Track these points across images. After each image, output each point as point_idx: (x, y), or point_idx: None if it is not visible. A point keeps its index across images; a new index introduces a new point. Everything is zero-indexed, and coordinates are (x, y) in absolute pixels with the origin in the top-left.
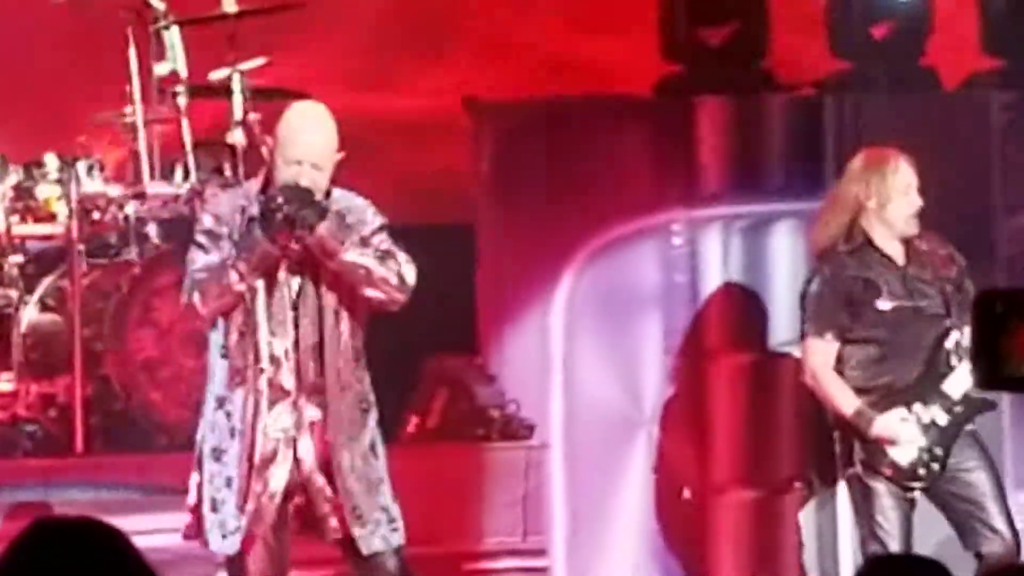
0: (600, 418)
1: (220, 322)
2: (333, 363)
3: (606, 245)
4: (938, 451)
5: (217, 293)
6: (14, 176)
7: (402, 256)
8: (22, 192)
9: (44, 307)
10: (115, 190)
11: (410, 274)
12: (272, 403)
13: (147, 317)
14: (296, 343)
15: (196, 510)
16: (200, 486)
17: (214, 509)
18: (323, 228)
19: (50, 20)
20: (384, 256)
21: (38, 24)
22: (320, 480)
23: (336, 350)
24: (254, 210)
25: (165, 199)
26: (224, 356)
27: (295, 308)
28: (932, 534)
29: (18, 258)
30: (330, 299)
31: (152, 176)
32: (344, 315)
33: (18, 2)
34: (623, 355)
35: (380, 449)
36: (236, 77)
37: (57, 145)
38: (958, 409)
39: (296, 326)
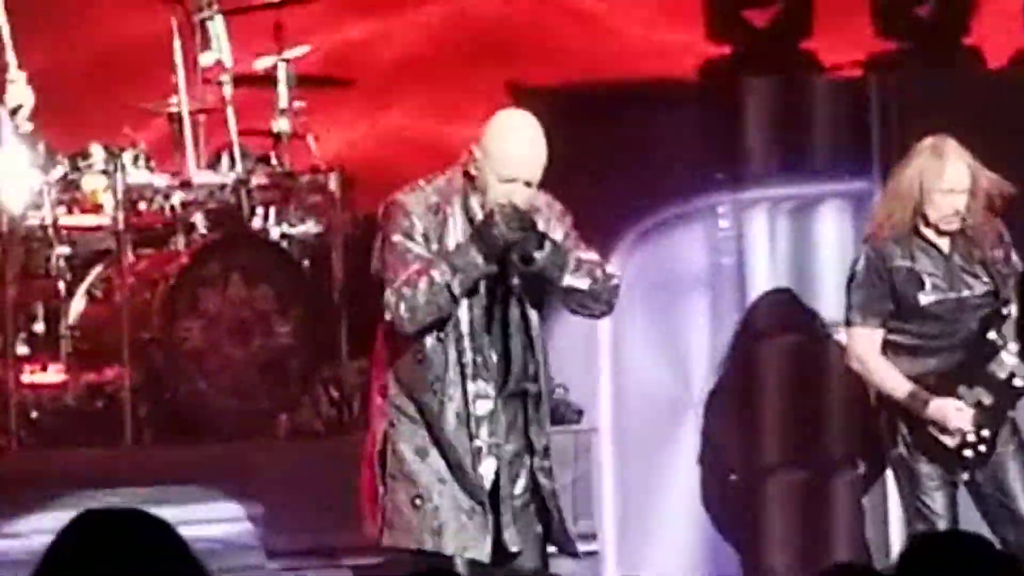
0: (649, 401)
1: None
2: (539, 370)
3: (653, 228)
4: (984, 433)
5: (429, 312)
6: (60, 168)
7: (610, 268)
8: (68, 184)
9: (92, 298)
10: (161, 180)
11: (616, 282)
12: (470, 413)
13: (194, 307)
14: (504, 351)
15: (383, 519)
16: (390, 495)
17: (408, 521)
18: (542, 259)
19: (94, 10)
20: (594, 271)
21: (82, 14)
22: (508, 487)
23: (542, 357)
24: (459, 219)
25: (211, 188)
26: (420, 362)
27: (497, 313)
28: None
29: (65, 250)
30: (531, 305)
31: (198, 166)
32: (542, 321)
33: None
34: (671, 338)
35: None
36: (281, 66)
37: (102, 136)
38: (1003, 390)
39: (504, 333)
